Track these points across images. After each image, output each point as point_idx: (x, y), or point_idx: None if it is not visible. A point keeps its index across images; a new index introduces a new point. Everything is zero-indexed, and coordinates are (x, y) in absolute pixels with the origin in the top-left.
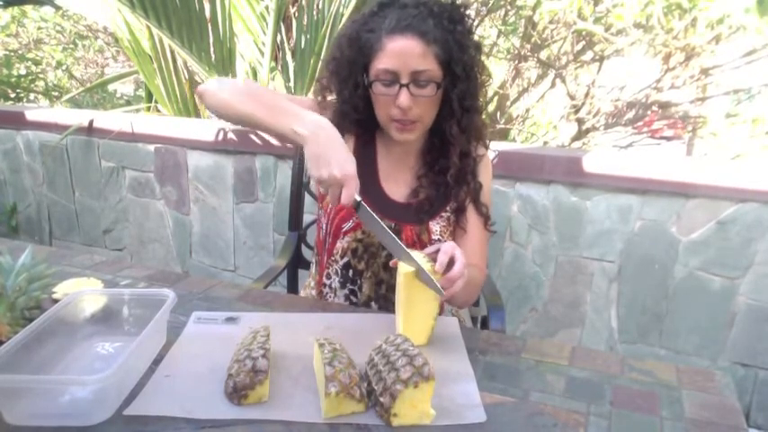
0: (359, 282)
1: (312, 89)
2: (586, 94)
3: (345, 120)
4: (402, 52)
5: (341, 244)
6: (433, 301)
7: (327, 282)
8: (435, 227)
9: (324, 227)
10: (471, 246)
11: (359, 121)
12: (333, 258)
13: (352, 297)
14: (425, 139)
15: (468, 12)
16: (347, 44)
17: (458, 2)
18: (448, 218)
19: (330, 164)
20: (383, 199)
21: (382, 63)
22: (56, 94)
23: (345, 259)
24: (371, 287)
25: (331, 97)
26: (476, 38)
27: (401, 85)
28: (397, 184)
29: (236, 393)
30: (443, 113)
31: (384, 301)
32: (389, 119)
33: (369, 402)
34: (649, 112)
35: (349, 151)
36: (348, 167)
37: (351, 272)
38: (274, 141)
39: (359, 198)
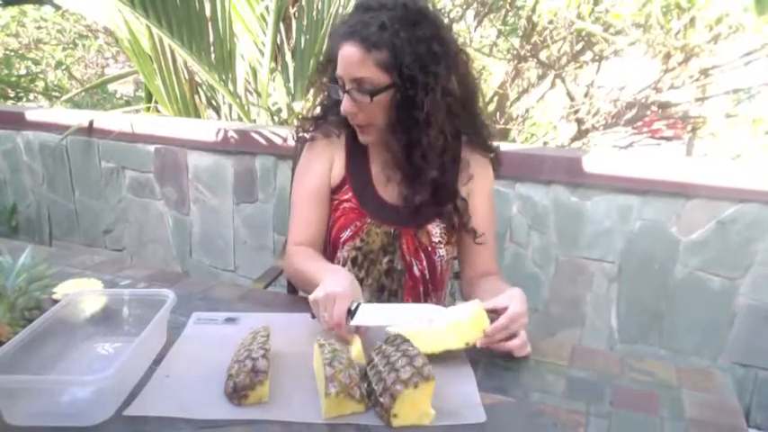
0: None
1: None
2: (586, 95)
3: (325, 117)
4: (344, 59)
5: (341, 254)
6: (462, 343)
7: None
8: (435, 229)
9: (325, 238)
10: (488, 254)
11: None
12: None
13: None
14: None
15: (430, 15)
16: (327, 46)
17: (419, 5)
18: (452, 219)
19: (324, 287)
20: (381, 204)
21: (336, 68)
22: (56, 94)
23: (345, 269)
24: (373, 294)
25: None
26: (441, 45)
27: (344, 91)
28: (393, 186)
29: (237, 394)
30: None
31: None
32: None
33: (369, 403)
34: (649, 113)
35: (346, 279)
36: (337, 287)
37: None
38: (276, 141)
39: (352, 306)
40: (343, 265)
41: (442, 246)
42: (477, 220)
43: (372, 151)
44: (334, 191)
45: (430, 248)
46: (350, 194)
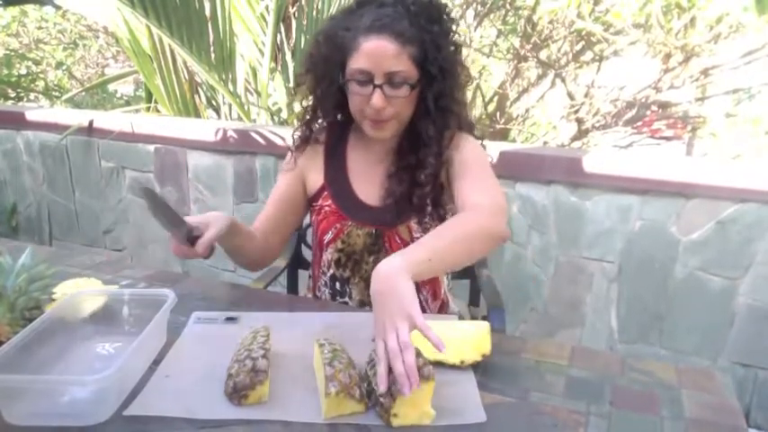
0: (348, 290)
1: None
2: (586, 94)
3: (316, 118)
4: (376, 53)
5: (325, 256)
6: (457, 360)
7: (319, 294)
8: (415, 225)
9: (314, 241)
10: (466, 186)
11: (332, 122)
12: (321, 270)
13: None
14: (399, 137)
15: (447, 11)
16: (324, 42)
17: (437, 1)
18: (430, 213)
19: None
20: (359, 205)
21: (357, 63)
22: (56, 93)
23: (331, 271)
24: (361, 291)
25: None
26: (456, 37)
27: (375, 86)
28: (371, 185)
29: (237, 393)
30: (419, 112)
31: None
32: (364, 116)
33: (369, 402)
34: (649, 113)
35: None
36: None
37: (338, 283)
38: (276, 141)
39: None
40: (329, 268)
41: None
42: (466, 165)
43: (351, 153)
44: (315, 197)
45: (411, 243)
46: (330, 200)
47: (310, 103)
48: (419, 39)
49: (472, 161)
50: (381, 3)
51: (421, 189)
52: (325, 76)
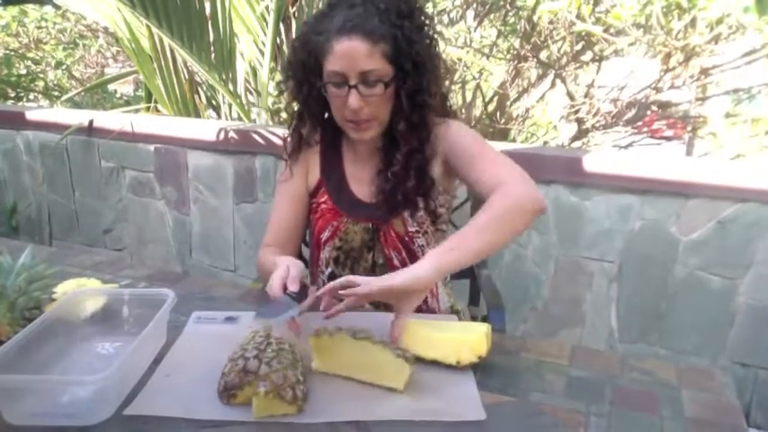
0: None
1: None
2: (586, 95)
3: (304, 123)
4: (348, 54)
5: (323, 254)
6: (453, 360)
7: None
8: (410, 218)
9: (311, 239)
10: (482, 169)
11: (322, 123)
12: (319, 269)
13: None
14: (385, 134)
15: (419, 5)
16: (300, 47)
17: None
18: (423, 207)
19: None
20: (355, 202)
21: (331, 65)
22: (56, 93)
23: (329, 269)
24: None
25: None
26: (429, 31)
27: (350, 87)
28: (364, 182)
29: (226, 392)
30: (396, 109)
31: (377, 302)
32: (344, 119)
33: (303, 405)
34: (649, 113)
35: (289, 258)
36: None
37: None
38: (276, 141)
39: (291, 291)
40: (326, 266)
41: (420, 235)
42: (463, 151)
43: (346, 151)
44: (313, 194)
45: (407, 238)
46: (326, 197)
47: (296, 108)
48: (391, 35)
49: (471, 144)
50: (351, 3)
51: (403, 185)
52: (304, 81)
